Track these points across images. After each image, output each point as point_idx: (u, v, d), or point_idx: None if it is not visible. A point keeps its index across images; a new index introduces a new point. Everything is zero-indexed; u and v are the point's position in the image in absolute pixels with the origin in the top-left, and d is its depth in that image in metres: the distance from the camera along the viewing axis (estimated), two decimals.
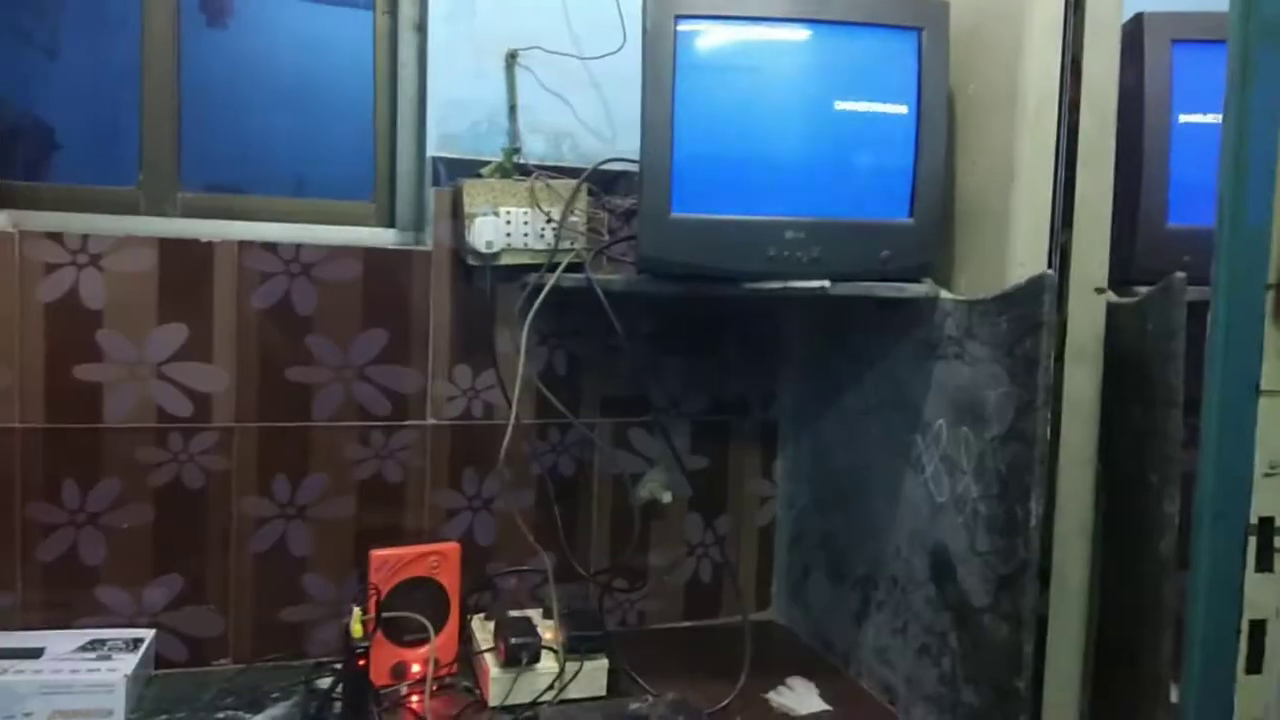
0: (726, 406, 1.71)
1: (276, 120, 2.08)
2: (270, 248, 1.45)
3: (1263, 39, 0.93)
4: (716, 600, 1.72)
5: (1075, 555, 1.21)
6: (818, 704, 1.38)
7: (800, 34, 1.22)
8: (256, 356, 1.45)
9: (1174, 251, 1.27)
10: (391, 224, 1.64)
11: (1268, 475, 0.89)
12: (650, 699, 1.29)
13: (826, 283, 1.24)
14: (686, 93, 1.20)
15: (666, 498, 1.62)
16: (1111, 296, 1.25)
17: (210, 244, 1.42)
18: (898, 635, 1.38)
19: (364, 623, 1.29)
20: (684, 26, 1.19)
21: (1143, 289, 1.22)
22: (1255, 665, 0.93)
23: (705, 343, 1.68)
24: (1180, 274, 1.12)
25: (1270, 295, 0.88)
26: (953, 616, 1.26)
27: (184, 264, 1.41)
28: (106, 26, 1.75)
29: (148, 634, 1.38)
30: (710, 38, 1.20)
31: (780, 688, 1.41)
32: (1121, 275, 1.29)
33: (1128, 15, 1.27)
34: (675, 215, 1.21)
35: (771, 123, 1.23)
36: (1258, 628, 0.93)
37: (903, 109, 1.23)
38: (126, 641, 1.35)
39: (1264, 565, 0.91)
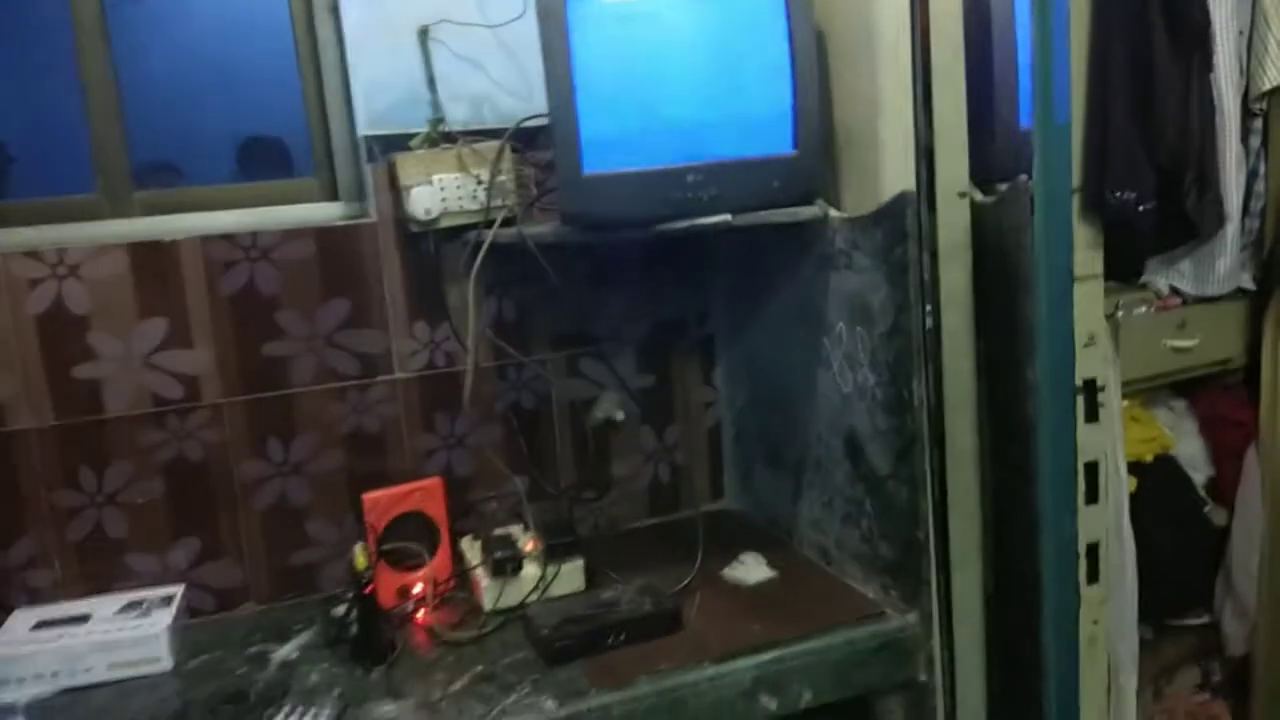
0: (665, 328, 1.89)
1: (210, 102, 2.17)
2: (229, 238, 1.59)
3: None
4: (675, 497, 1.94)
5: (963, 424, 1.43)
6: (766, 573, 1.61)
7: None
8: (233, 337, 1.61)
9: (1028, 149, 1.45)
10: (335, 197, 1.78)
11: (1086, 345, 1.10)
12: (622, 586, 1.51)
13: (728, 216, 1.41)
14: (582, 62, 1.34)
15: (620, 416, 1.82)
16: (977, 196, 1.44)
17: (175, 243, 1.56)
18: (826, 508, 1.61)
19: (366, 555, 1.48)
20: (572, 2, 1.32)
21: (1004, 186, 1.40)
22: (1092, 497, 1.15)
23: (640, 274, 1.85)
24: (1024, 176, 1.31)
25: (1076, 197, 1.06)
26: (865, 486, 1.48)
27: (154, 264, 1.56)
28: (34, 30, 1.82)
29: (177, 590, 1.57)
30: (597, 7, 1.34)
31: (734, 563, 1.64)
32: (986, 175, 1.47)
33: None
34: (586, 174, 1.37)
35: (663, 79, 1.38)
36: (1092, 468, 1.15)
37: (778, 54, 1.38)
38: (160, 599, 1.54)
39: (1091, 417, 1.12)
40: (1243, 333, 1.83)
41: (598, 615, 1.43)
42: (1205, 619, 1.94)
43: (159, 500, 1.61)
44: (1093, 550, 1.13)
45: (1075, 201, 1.06)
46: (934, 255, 1.39)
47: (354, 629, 1.48)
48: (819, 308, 1.53)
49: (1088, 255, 1.10)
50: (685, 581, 1.57)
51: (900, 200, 1.31)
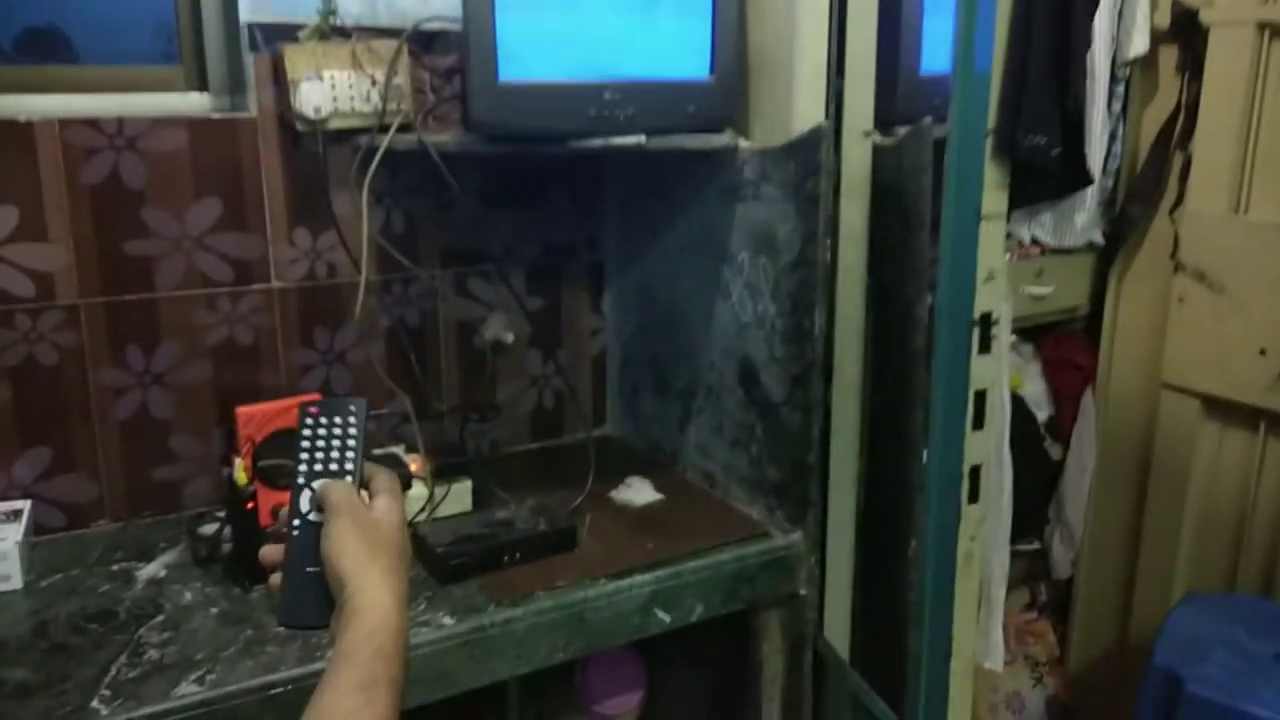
0: (556, 251, 1.86)
1: None
2: (92, 123, 1.44)
3: None
4: (560, 422, 1.94)
5: (850, 355, 1.49)
6: (653, 495, 1.64)
7: None
8: (93, 232, 1.47)
9: (926, 96, 1.51)
10: (203, 88, 1.64)
11: (986, 281, 1.16)
12: (514, 506, 1.50)
13: (643, 138, 1.40)
14: None
15: (509, 338, 1.79)
16: (877, 138, 1.48)
17: (30, 124, 1.40)
18: (715, 433, 1.65)
19: (245, 470, 1.41)
20: None
21: (901, 129, 1.45)
22: (979, 423, 1.23)
23: (533, 194, 1.81)
24: (928, 119, 1.35)
25: (989, 139, 1.12)
26: (758, 412, 1.53)
27: (5, 145, 1.39)
28: None
29: (24, 504, 1.44)
30: None
31: (621, 486, 1.66)
32: (885, 119, 1.52)
33: None
34: (502, 82, 1.32)
35: None
36: (981, 396, 1.23)
37: None
38: (6, 514, 1.41)
39: (984, 349, 1.20)
40: (1089, 283, 2.00)
41: (492, 534, 1.42)
42: (1036, 545, 2.13)
43: (4, 407, 1.46)
44: (975, 472, 1.22)
45: (988, 143, 1.12)
46: (836, 192, 1.43)
47: (225, 549, 1.41)
48: (721, 237, 1.55)
49: (994, 195, 1.16)
50: (575, 503, 1.58)
51: (816, 134, 1.33)
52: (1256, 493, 1.80)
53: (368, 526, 0.80)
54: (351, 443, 0.85)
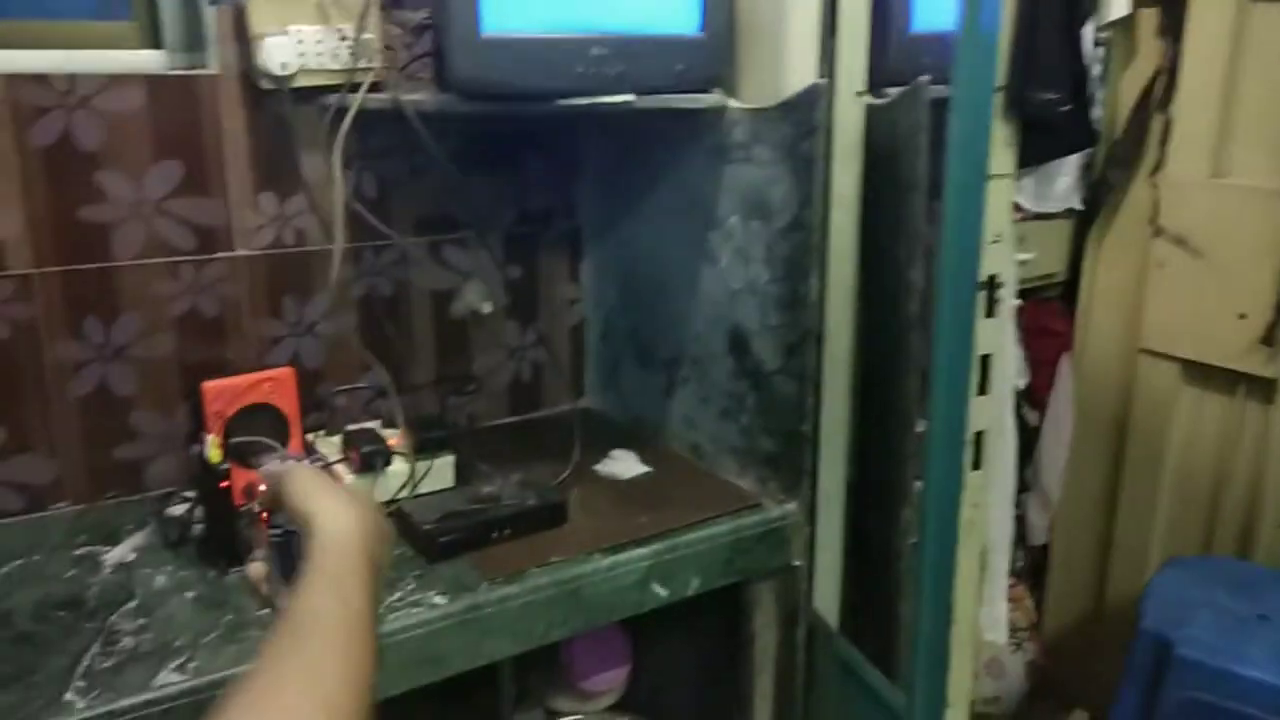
0: (532, 218, 1.80)
1: None
2: (42, 80, 1.34)
3: None
4: (538, 395, 1.89)
5: (842, 322, 1.46)
6: (640, 468, 1.60)
7: None
8: (46, 198, 1.38)
9: (915, 56, 1.47)
10: (157, 45, 1.55)
11: (993, 243, 1.14)
12: (499, 480, 1.45)
13: (632, 96, 1.34)
14: None
15: (487, 308, 1.73)
16: (869, 98, 1.45)
17: None
18: (702, 404, 1.61)
19: (218, 448, 1.34)
20: None
21: (892, 90, 1.42)
22: (983, 389, 1.21)
23: (507, 158, 1.74)
24: (924, 78, 1.32)
25: (998, 96, 1.09)
26: (749, 381, 1.49)
27: None
28: None
29: None
30: None
31: (605, 460, 1.62)
32: (875, 79, 1.48)
33: None
34: (484, 36, 1.26)
35: None
36: (986, 360, 1.21)
37: None
38: None
39: (990, 313, 1.17)
40: (1067, 249, 2.00)
41: (480, 509, 1.37)
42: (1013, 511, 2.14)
43: None
44: (979, 438, 1.20)
45: (996, 101, 1.09)
46: (827, 154, 1.40)
47: (198, 528, 1.34)
48: (708, 202, 1.50)
49: (1003, 153, 1.14)
50: (562, 477, 1.53)
51: (812, 93, 1.29)
52: (1235, 456, 1.82)
53: (324, 477, 0.80)
54: None
